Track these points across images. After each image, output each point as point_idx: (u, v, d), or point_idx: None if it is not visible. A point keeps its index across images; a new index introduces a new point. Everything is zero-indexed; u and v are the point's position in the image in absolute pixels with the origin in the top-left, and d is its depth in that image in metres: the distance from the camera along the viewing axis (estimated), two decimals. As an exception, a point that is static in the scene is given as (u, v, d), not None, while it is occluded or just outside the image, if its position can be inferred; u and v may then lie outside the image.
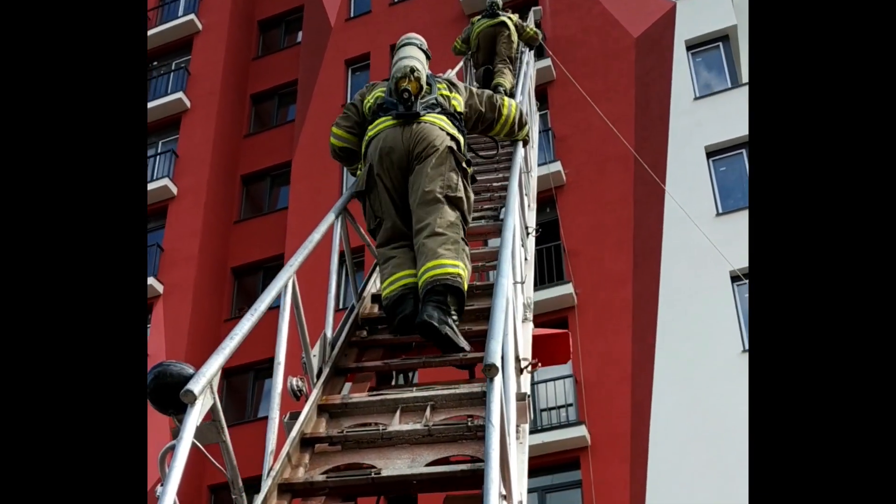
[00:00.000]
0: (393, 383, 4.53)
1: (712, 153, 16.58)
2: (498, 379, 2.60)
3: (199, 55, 22.98)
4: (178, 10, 24.33)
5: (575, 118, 17.59)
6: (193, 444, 2.62)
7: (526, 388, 3.81)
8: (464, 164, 4.61)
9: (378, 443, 3.42)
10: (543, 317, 14.61)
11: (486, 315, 4.24)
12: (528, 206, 6.01)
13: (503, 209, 5.45)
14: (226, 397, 18.14)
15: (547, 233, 15.57)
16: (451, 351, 4.14)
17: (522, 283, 4.32)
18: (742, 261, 13.02)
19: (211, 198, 20.70)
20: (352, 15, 22.28)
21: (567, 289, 15.74)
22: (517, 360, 3.63)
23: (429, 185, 4.44)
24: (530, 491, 13.44)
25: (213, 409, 2.83)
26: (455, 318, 4.19)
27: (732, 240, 13.81)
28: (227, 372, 17.60)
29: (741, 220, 14.83)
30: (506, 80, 9.54)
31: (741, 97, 16.56)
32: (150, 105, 22.08)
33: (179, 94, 22.13)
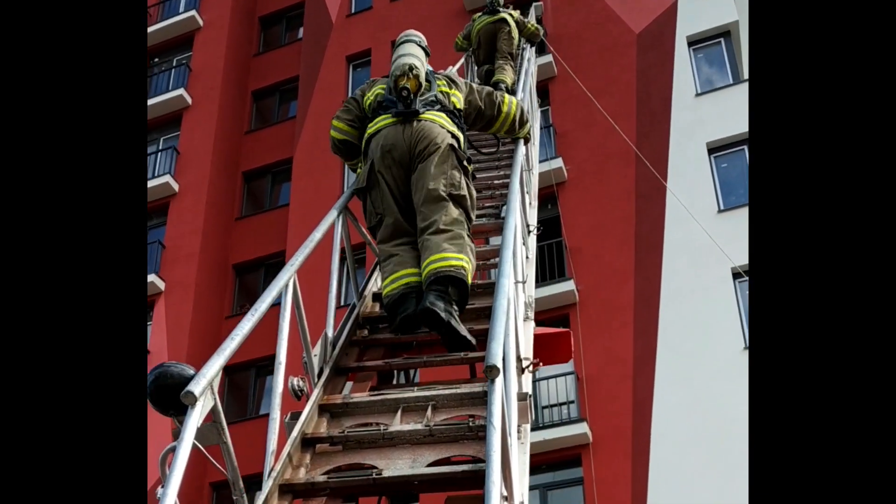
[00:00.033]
0: (394, 382, 4.52)
1: (714, 149, 16.56)
2: (499, 380, 2.60)
3: (200, 51, 22.96)
4: (179, 7, 24.30)
5: (576, 114, 17.56)
6: (194, 446, 2.62)
7: (527, 388, 3.80)
8: (465, 163, 4.60)
9: (379, 443, 3.41)
10: (545, 314, 14.62)
11: (487, 314, 4.22)
12: (530, 203, 6.00)
13: (504, 207, 5.44)
14: (227, 394, 18.16)
15: (548, 229, 15.56)
16: (453, 340, 4.12)
17: (524, 282, 4.31)
18: (744, 257, 13.00)
19: (212, 195, 20.70)
20: (353, 11, 22.25)
21: (568, 286, 15.74)
22: (518, 359, 3.62)
23: (433, 184, 4.43)
24: (532, 488, 13.45)
25: (213, 411, 2.82)
26: (456, 309, 4.17)
27: (734, 236, 13.79)
28: (229, 369, 17.61)
29: (743, 216, 14.82)
30: (506, 76, 9.52)
31: (743, 93, 16.53)
32: (151, 102, 22.07)
33: (181, 91, 22.11)
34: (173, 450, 2.58)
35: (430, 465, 3.25)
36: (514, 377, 3.04)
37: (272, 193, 21.71)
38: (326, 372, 3.92)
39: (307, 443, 3.46)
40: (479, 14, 10.19)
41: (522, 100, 7.31)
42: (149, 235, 20.53)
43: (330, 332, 4.09)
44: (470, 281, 4.28)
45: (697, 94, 17.21)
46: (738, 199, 15.74)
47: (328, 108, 19.62)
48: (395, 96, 4.64)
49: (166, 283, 19.52)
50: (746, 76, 17.08)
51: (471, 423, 3.39)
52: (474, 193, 4.68)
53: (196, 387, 2.66)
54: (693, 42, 17.90)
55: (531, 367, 3.83)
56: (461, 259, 4.24)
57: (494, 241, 5.96)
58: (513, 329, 3.11)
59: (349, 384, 4.12)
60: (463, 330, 4.11)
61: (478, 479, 3.07)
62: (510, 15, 10.00)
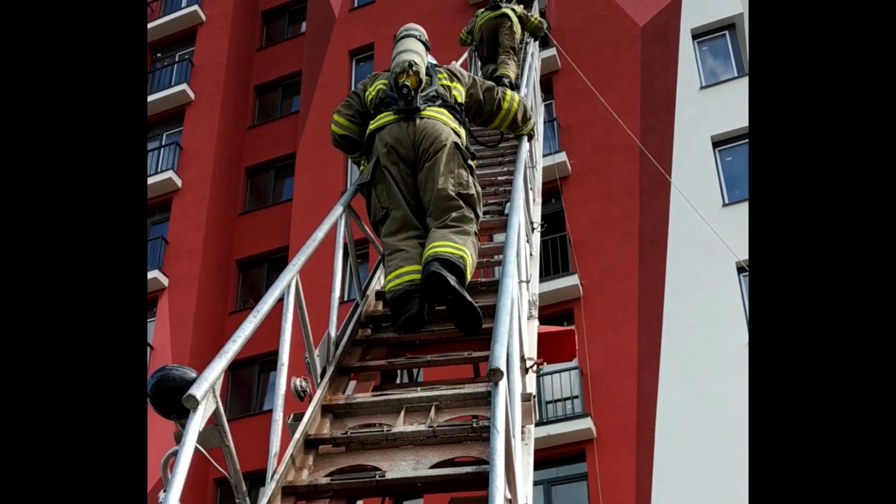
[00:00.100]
0: (397, 381, 4.50)
1: (718, 143, 16.50)
2: (503, 383, 2.58)
3: (202, 46, 22.92)
4: (181, 1, 24.26)
5: (580, 108, 17.50)
6: (197, 449, 2.60)
7: (531, 388, 3.78)
8: (469, 162, 4.59)
9: (382, 444, 3.39)
10: (549, 308, 14.60)
11: (491, 312, 4.20)
12: (533, 200, 5.97)
13: (508, 204, 5.41)
14: (231, 391, 18.17)
15: (552, 224, 15.52)
16: (459, 308, 4.10)
17: (527, 281, 4.29)
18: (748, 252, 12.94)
19: (215, 190, 20.69)
20: (355, 5, 22.19)
21: (573, 280, 15.71)
22: (522, 359, 3.60)
23: (442, 184, 4.44)
24: (535, 484, 13.43)
25: (215, 414, 2.81)
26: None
27: (739, 230, 13.74)
28: (232, 365, 17.55)
29: (747, 210, 14.76)
30: (509, 70, 9.49)
31: (747, 86, 16.46)
32: (153, 97, 22.06)
33: (183, 86, 22.08)
34: (175, 454, 2.57)
35: (433, 466, 3.23)
36: (518, 379, 3.03)
37: (275, 189, 21.70)
38: (329, 372, 3.90)
39: (310, 444, 3.44)
40: (482, 10, 10.17)
41: (526, 95, 7.28)
42: (152, 231, 20.55)
43: (333, 332, 4.07)
44: (468, 276, 4.26)
45: (702, 88, 17.15)
46: (743, 193, 15.68)
47: (331, 103, 19.57)
48: (396, 93, 4.62)
49: (169, 279, 19.52)
50: (751, 69, 17.00)
51: (474, 424, 3.37)
52: (480, 190, 4.68)
53: (198, 390, 2.65)
54: (697, 35, 17.82)
55: (535, 367, 3.81)
56: (463, 251, 4.24)
57: (498, 237, 5.93)
58: (516, 330, 3.09)
59: (352, 383, 4.10)
60: (469, 297, 4.10)
61: (481, 481, 3.05)
62: (512, 10, 9.97)
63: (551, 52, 17.60)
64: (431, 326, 4.34)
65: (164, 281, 19.48)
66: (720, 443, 13.12)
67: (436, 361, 4.12)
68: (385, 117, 4.64)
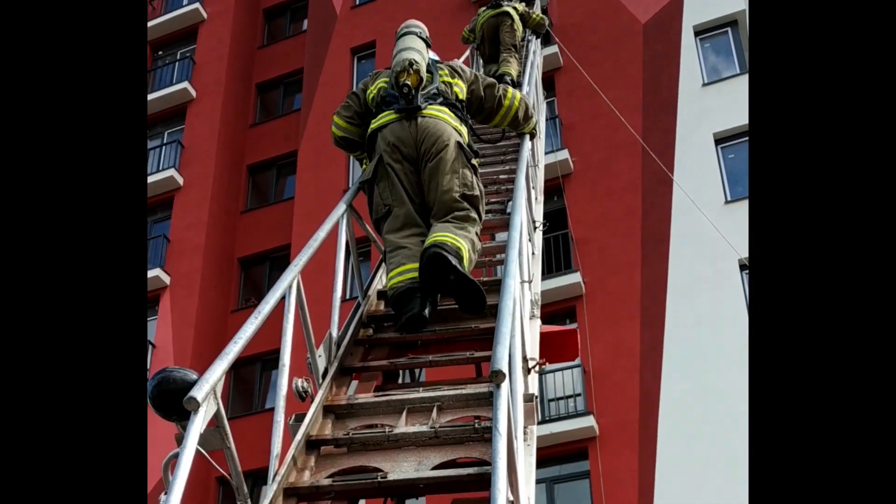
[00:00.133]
0: (399, 381, 4.49)
1: (721, 140, 16.47)
2: (505, 385, 2.56)
3: (204, 44, 22.90)
4: (182, -1, 24.28)
5: (582, 105, 17.47)
6: (198, 451, 2.60)
7: (534, 389, 3.77)
8: (473, 161, 4.59)
9: (384, 445, 3.38)
10: (551, 306, 14.58)
11: (493, 311, 4.19)
12: (536, 199, 5.96)
13: (510, 203, 5.40)
14: (233, 389, 18.18)
15: (554, 221, 15.52)
16: (462, 287, 4.12)
17: (530, 281, 4.28)
18: (751, 249, 12.92)
19: (217, 188, 20.68)
20: (357, 3, 22.17)
21: (575, 278, 15.69)
22: (524, 360, 3.59)
23: (447, 185, 4.46)
24: (538, 482, 13.42)
25: (217, 416, 2.80)
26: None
27: (741, 228, 13.71)
28: (234, 363, 17.59)
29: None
30: (511, 68, 9.48)
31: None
32: (155, 95, 22.05)
33: (185, 84, 22.07)
34: (177, 456, 2.56)
35: (435, 467, 3.22)
36: (520, 380, 3.02)
37: (277, 186, 21.69)
38: (331, 372, 3.89)
39: (311, 445, 3.44)
40: (483, 8, 10.19)
41: (528, 93, 7.25)
42: (154, 229, 20.55)
43: (334, 332, 4.06)
44: (467, 270, 4.26)
45: (704, 85, 17.11)
46: (745, 191, 15.65)
47: (333, 101, 19.56)
48: (397, 92, 4.62)
49: (171, 277, 19.53)
50: (753, 66, 16.97)
51: (476, 425, 3.36)
52: (483, 189, 4.68)
53: (199, 392, 2.64)
54: (700, 32, 17.78)
55: (537, 368, 3.80)
56: (461, 244, 4.25)
57: (500, 237, 5.92)
58: (519, 331, 3.08)
59: (354, 383, 4.09)
60: (470, 276, 4.13)
61: (483, 482, 3.04)
62: (514, 8, 9.96)
63: (553, 49, 17.57)
64: (433, 326, 4.33)
65: (166, 279, 19.48)
66: (723, 440, 13.11)
67: (438, 361, 4.11)
68: (386, 116, 4.64)
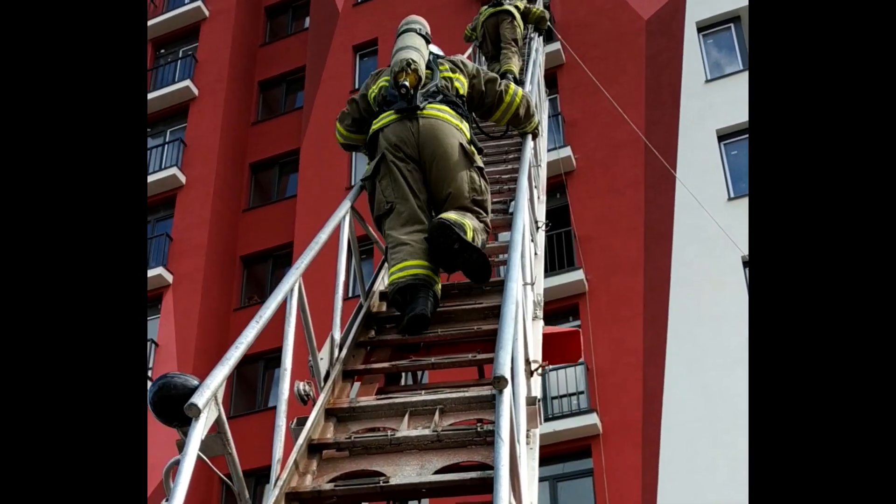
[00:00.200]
0: (402, 383, 4.48)
1: (723, 136, 16.43)
2: (507, 390, 2.55)
3: (206, 42, 22.89)
4: (184, -3, 24.25)
5: (585, 102, 17.44)
6: (199, 457, 2.59)
7: (536, 389, 3.76)
8: (477, 162, 4.58)
9: (387, 448, 3.37)
10: (554, 304, 14.57)
11: (495, 313, 4.18)
12: (538, 198, 5.94)
13: (512, 202, 5.38)
14: (235, 388, 18.19)
15: (557, 219, 15.49)
16: (466, 254, 4.18)
17: (532, 283, 4.26)
18: (754, 246, 12.89)
19: (219, 186, 20.67)
20: (359, 0, 22.13)
21: (578, 275, 15.67)
22: (527, 362, 3.57)
23: (455, 189, 4.48)
24: (541, 480, 13.41)
25: (218, 421, 2.78)
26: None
27: (744, 224, 13.68)
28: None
29: (753, 204, 14.70)
30: (512, 64, 9.47)
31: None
32: (157, 93, 22.04)
33: (187, 82, 22.06)
34: (178, 462, 2.55)
35: (437, 471, 3.20)
36: (523, 384, 3.00)
37: (279, 184, 21.68)
38: (333, 375, 3.88)
39: (313, 449, 3.42)
40: (485, 6, 10.20)
41: (530, 92, 7.22)
42: (156, 228, 20.56)
43: (336, 334, 4.04)
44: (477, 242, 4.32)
45: (707, 81, 17.07)
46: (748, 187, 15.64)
47: (335, 99, 19.54)
48: (396, 91, 4.60)
49: (174, 276, 19.53)
50: (756, 62, 16.91)
51: (479, 429, 3.34)
52: (489, 189, 4.70)
53: (200, 399, 2.62)
54: (702, 28, 17.73)
55: (539, 370, 3.78)
56: (466, 223, 4.31)
57: (503, 236, 5.90)
58: (521, 335, 3.06)
59: (356, 385, 4.08)
60: (476, 245, 4.20)
61: (486, 487, 3.02)
62: (515, 7, 9.95)
63: (555, 46, 17.54)
64: (436, 327, 4.31)
65: (169, 278, 19.49)
66: (726, 437, 13.09)
67: (440, 364, 4.09)
68: (387, 116, 4.63)
